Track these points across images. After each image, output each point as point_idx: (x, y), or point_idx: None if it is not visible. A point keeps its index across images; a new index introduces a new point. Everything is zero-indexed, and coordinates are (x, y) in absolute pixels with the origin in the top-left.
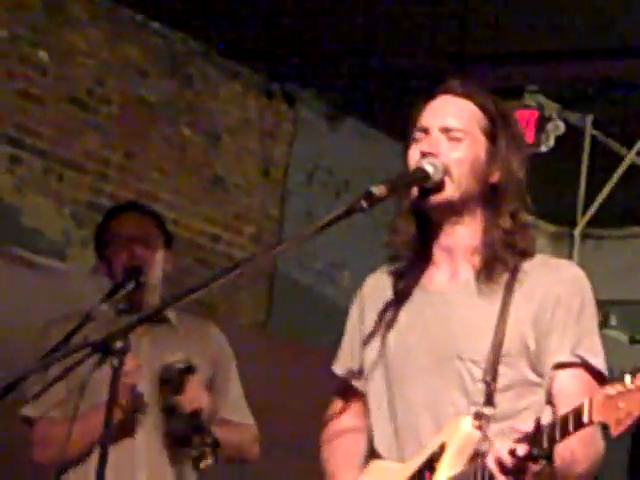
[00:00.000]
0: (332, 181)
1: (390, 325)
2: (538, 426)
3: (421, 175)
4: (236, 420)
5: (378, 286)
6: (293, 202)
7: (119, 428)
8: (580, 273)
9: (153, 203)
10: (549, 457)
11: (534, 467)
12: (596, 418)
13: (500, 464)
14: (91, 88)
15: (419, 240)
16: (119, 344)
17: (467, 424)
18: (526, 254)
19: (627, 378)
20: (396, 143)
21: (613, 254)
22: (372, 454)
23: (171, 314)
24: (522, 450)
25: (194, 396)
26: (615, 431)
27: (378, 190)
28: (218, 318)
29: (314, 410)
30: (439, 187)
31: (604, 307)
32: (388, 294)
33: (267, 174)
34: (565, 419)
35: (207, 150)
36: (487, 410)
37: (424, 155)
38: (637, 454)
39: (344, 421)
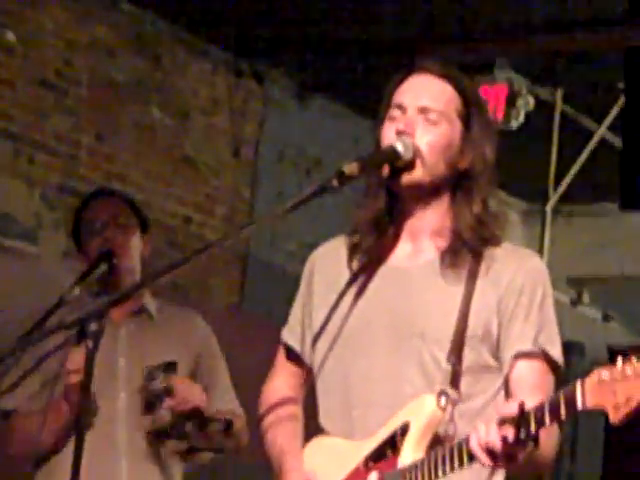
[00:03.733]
0: (303, 159)
1: (343, 297)
2: (522, 410)
3: (392, 154)
4: (225, 410)
5: (331, 256)
6: (264, 182)
7: (68, 429)
8: (542, 264)
9: (123, 184)
10: (536, 441)
11: (523, 451)
12: (591, 403)
13: (488, 449)
14: (60, 69)
15: (385, 217)
16: (93, 326)
17: (432, 403)
18: (492, 241)
19: (619, 363)
20: (366, 121)
21: (585, 230)
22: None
23: (151, 305)
24: (511, 434)
25: (186, 395)
26: (614, 417)
27: (349, 169)
28: (191, 300)
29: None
30: (409, 167)
31: (577, 284)
32: (342, 266)
33: (237, 154)
34: (556, 403)
35: (177, 130)
36: (451, 392)
37: (399, 133)
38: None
39: (287, 393)
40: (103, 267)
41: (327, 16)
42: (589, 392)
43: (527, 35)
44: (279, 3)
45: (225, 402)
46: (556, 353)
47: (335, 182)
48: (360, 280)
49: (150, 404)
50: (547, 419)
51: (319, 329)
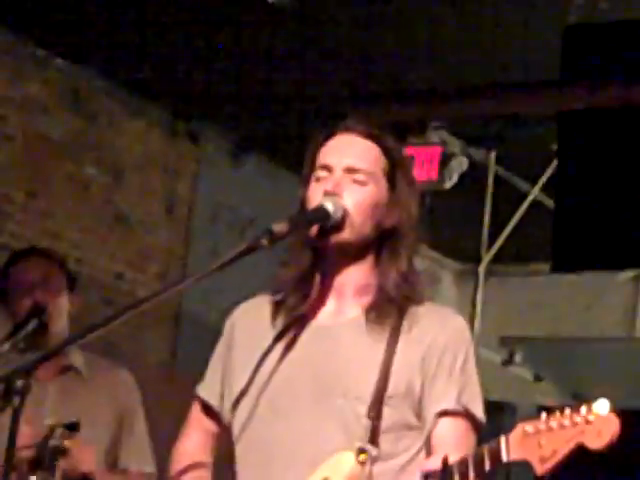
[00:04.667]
0: (237, 219)
1: (267, 356)
2: (446, 464)
3: (322, 214)
4: (135, 469)
5: (253, 314)
6: (198, 240)
7: None
8: (465, 324)
9: (56, 241)
10: None
11: None
12: (515, 455)
13: None
14: None
15: (309, 275)
16: (19, 383)
17: (350, 460)
18: (416, 299)
19: (543, 416)
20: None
21: (518, 291)
22: None
23: (79, 360)
24: None
25: (79, 458)
26: (540, 469)
27: (279, 227)
28: (123, 358)
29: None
30: (338, 227)
31: (509, 344)
32: (265, 324)
33: (171, 212)
34: (480, 456)
35: (111, 187)
36: (370, 448)
37: (327, 194)
38: None
39: (197, 456)
40: (34, 323)
41: (260, 78)
42: (514, 445)
43: (461, 97)
44: (214, 63)
45: (134, 460)
46: (478, 412)
47: (265, 241)
48: (284, 339)
49: (39, 461)
50: (471, 473)
51: (241, 391)
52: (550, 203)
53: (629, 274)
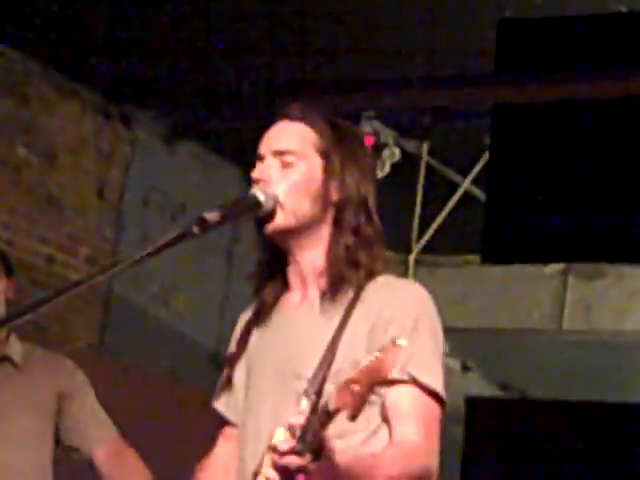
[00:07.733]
0: (168, 204)
1: (249, 354)
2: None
3: (253, 203)
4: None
5: (246, 317)
6: (128, 224)
7: None
8: (419, 293)
9: None
10: (317, 452)
11: (297, 462)
12: (335, 406)
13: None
14: None
15: (275, 268)
16: None
17: (280, 435)
18: (372, 273)
19: (363, 361)
20: (233, 167)
21: (447, 281)
22: None
23: (15, 352)
24: (285, 445)
25: None
26: (353, 419)
27: (210, 216)
28: (50, 339)
29: (149, 434)
30: (271, 215)
31: None
32: (251, 324)
33: (102, 195)
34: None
35: (43, 170)
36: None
37: (254, 182)
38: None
39: (219, 461)
40: None
41: (196, 64)
42: (335, 396)
43: (395, 88)
44: (149, 47)
45: (101, 429)
46: (431, 381)
47: (196, 229)
48: (260, 335)
49: None
50: (319, 427)
51: (235, 391)
52: (481, 195)
53: (557, 267)
